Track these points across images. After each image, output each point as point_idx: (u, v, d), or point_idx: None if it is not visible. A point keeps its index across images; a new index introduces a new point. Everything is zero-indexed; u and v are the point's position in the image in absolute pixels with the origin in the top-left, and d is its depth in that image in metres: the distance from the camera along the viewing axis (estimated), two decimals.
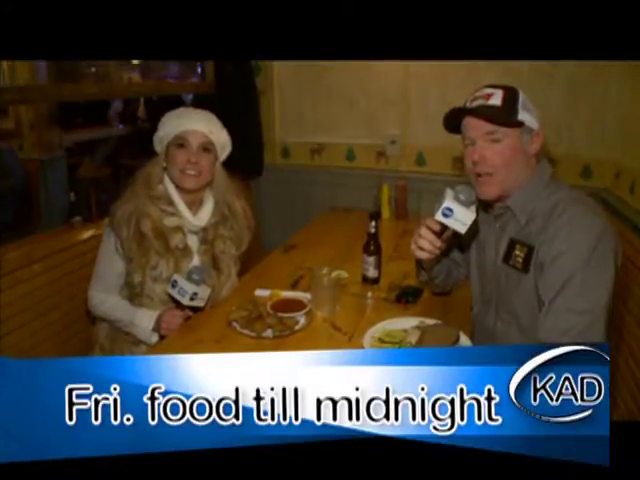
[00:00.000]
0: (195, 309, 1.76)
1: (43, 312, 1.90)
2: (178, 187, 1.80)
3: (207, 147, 1.79)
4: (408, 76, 3.06)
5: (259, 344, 1.58)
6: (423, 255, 1.53)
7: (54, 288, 1.95)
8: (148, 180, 1.78)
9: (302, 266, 2.16)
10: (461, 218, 1.43)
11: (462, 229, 1.44)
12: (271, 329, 1.63)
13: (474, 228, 1.53)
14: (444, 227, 1.47)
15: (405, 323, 1.62)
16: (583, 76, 2.74)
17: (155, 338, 1.78)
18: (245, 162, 3.26)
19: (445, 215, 1.43)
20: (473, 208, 1.44)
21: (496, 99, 1.39)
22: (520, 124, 1.39)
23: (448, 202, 1.43)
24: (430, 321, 1.61)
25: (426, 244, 1.50)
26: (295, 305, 1.76)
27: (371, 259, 1.97)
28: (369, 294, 1.94)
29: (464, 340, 1.51)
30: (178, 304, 1.72)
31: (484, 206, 1.57)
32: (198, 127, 1.77)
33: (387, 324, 1.62)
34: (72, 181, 4.42)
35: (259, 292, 1.91)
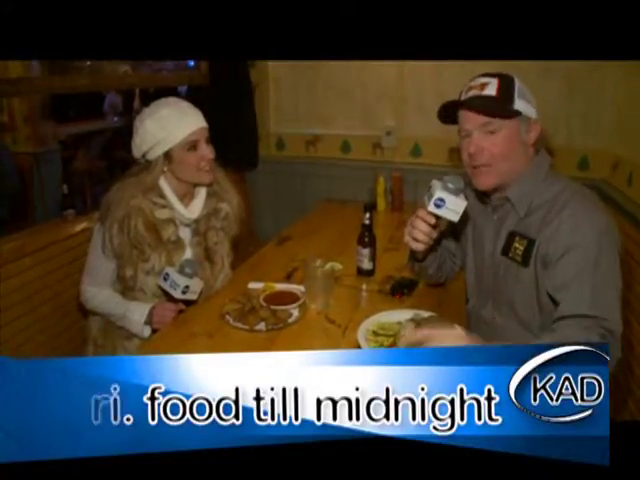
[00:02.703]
0: (188, 302, 1.76)
1: (35, 306, 1.90)
2: (178, 181, 1.78)
3: (209, 137, 1.77)
4: (403, 67, 3.05)
5: (252, 337, 1.58)
6: (419, 246, 1.53)
7: (46, 281, 1.95)
8: (143, 183, 1.74)
9: (296, 258, 2.15)
10: (453, 207, 1.43)
11: (455, 218, 1.45)
12: (264, 322, 1.63)
13: (464, 215, 1.53)
14: (437, 217, 1.48)
15: (399, 315, 1.61)
16: (580, 68, 2.73)
17: (148, 331, 1.77)
18: (240, 154, 3.26)
19: (437, 206, 1.44)
20: (462, 196, 1.45)
21: (491, 89, 1.37)
22: (517, 113, 1.38)
23: (439, 192, 1.44)
24: (425, 313, 1.60)
25: (420, 235, 1.50)
26: (288, 298, 1.76)
27: (365, 251, 1.97)
28: (364, 286, 1.94)
29: None
30: (171, 297, 1.71)
31: (481, 197, 1.57)
32: (201, 123, 1.74)
33: (381, 317, 1.61)
34: (67, 174, 4.39)
35: (252, 285, 1.90)
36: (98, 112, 5.52)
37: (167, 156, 1.72)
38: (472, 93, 1.40)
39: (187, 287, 1.68)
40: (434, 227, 1.51)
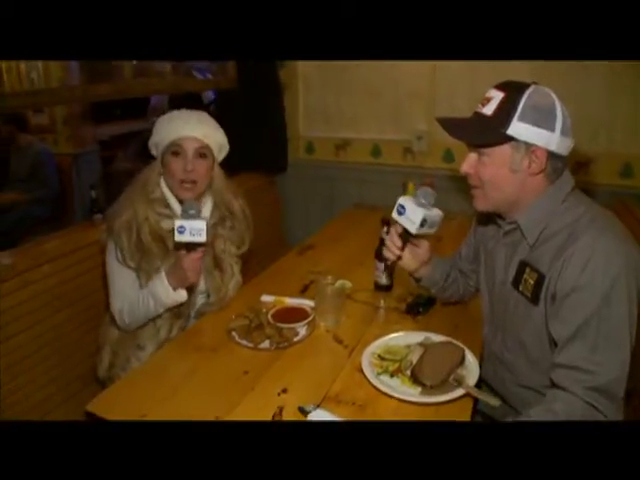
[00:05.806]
0: (199, 245, 1.62)
1: (54, 311, 1.92)
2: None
3: (203, 152, 1.74)
4: (435, 70, 2.94)
5: (256, 354, 1.55)
6: (389, 255, 1.55)
7: (66, 287, 1.97)
8: (145, 185, 1.75)
9: (314, 270, 2.11)
10: (412, 216, 1.42)
11: (412, 228, 1.43)
12: (269, 340, 1.59)
13: (478, 236, 1.51)
14: (408, 233, 1.47)
15: (409, 338, 1.54)
16: (622, 67, 2.54)
17: (182, 294, 1.69)
18: (269, 158, 3.25)
19: (399, 213, 1.45)
20: (428, 210, 1.42)
21: (491, 106, 1.25)
22: (504, 139, 1.23)
23: (403, 200, 1.44)
24: (436, 337, 1.53)
25: (389, 243, 1.52)
26: (298, 314, 1.71)
27: (383, 266, 1.90)
28: (381, 302, 1.87)
29: (470, 359, 1.42)
30: (180, 247, 1.62)
31: (494, 219, 1.47)
32: (192, 133, 1.72)
33: (390, 339, 1.55)
34: (106, 175, 4.47)
35: (264, 298, 1.88)
36: (141, 112, 5.54)
37: (162, 161, 1.75)
38: (478, 108, 1.30)
39: (201, 230, 1.55)
40: (400, 237, 1.50)
